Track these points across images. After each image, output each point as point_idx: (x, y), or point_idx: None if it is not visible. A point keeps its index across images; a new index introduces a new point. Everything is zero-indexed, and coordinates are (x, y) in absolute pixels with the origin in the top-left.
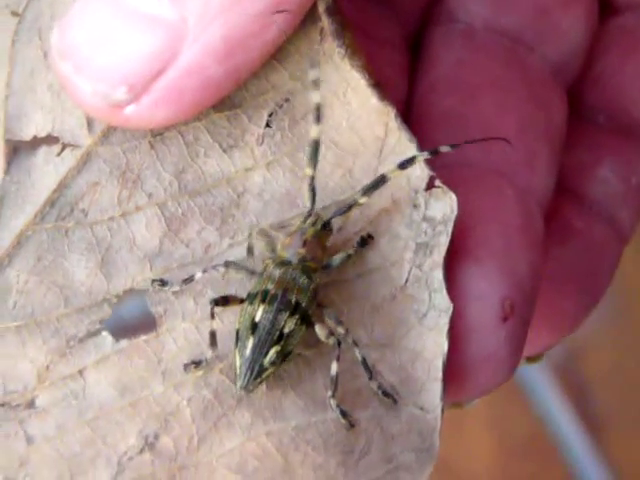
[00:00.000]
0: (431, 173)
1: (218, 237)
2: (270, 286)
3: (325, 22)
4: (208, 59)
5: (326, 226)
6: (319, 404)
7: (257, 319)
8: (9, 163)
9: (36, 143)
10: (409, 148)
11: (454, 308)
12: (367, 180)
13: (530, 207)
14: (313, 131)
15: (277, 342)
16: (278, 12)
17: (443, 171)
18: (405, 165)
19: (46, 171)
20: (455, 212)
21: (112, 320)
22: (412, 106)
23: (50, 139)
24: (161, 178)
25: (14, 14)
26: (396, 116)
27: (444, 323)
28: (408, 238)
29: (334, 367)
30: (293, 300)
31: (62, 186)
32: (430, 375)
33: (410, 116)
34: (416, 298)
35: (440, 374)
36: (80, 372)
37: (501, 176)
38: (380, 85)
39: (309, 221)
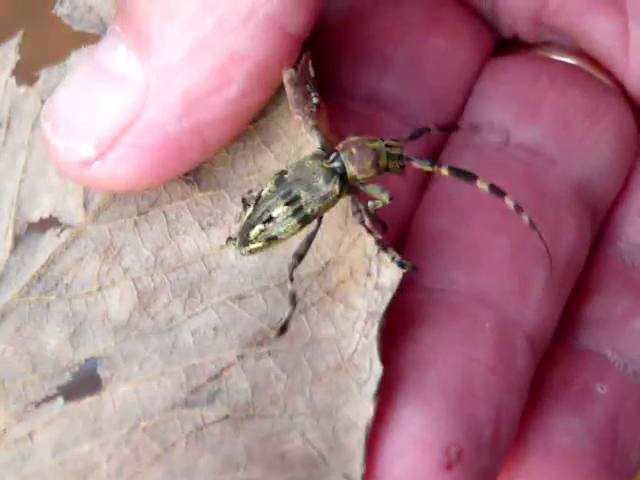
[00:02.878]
0: (381, 237)
1: (182, 310)
2: (290, 172)
3: (288, 91)
4: (168, 115)
5: (396, 156)
6: (232, 465)
7: (263, 193)
8: (17, 243)
9: (45, 225)
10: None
11: (397, 448)
12: (332, 252)
13: (513, 343)
14: None
15: (264, 222)
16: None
17: (422, 295)
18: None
19: (40, 247)
20: (400, 276)
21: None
22: (411, 223)
23: (52, 220)
24: (140, 254)
25: (42, 102)
26: None
27: (373, 388)
28: (362, 308)
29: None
30: (301, 198)
31: (50, 261)
32: (360, 444)
33: (408, 232)
34: (360, 367)
35: (364, 439)
36: (30, 435)
37: (483, 304)
38: None
39: (391, 141)
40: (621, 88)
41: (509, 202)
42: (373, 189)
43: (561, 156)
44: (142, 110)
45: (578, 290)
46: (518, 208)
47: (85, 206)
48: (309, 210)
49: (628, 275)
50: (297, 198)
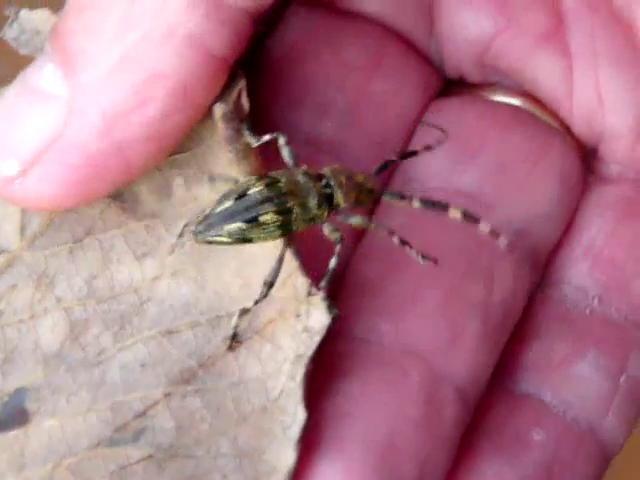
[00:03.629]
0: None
1: (112, 342)
2: (284, 182)
3: (219, 127)
4: (89, 133)
5: (372, 191)
6: None
7: (249, 192)
8: None
9: None
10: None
11: None
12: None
13: (441, 395)
14: None
15: (246, 221)
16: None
17: (350, 345)
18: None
19: None
20: (328, 323)
21: None
22: (345, 271)
23: None
24: (73, 283)
25: None
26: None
27: (296, 433)
28: (290, 350)
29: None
30: (293, 213)
31: None
32: None
33: (342, 280)
34: (285, 410)
35: None
36: None
37: (412, 356)
38: None
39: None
40: (566, 129)
41: (484, 227)
42: (327, 227)
43: (500, 201)
44: (64, 128)
45: (518, 334)
46: (494, 233)
47: (22, 232)
48: (294, 227)
49: (570, 318)
50: (290, 211)
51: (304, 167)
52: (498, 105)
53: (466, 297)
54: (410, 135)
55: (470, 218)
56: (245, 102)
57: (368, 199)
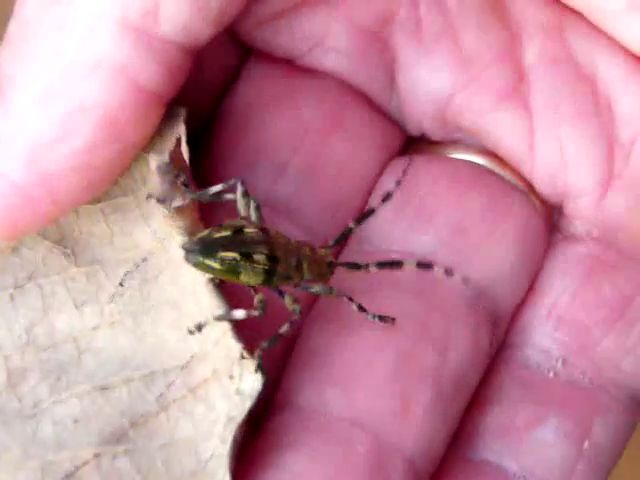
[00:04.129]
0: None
1: (48, 393)
2: (273, 232)
3: (154, 180)
4: (14, 163)
5: (332, 264)
6: None
7: (245, 230)
8: None
9: None
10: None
11: None
12: (199, 346)
13: (389, 468)
14: None
15: (242, 254)
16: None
17: (294, 416)
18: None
19: None
20: (259, 388)
21: None
22: (296, 339)
23: None
24: (13, 330)
25: None
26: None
27: None
28: (222, 411)
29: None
30: (279, 259)
31: None
32: None
33: (291, 349)
34: (213, 476)
35: None
36: None
37: (358, 427)
38: None
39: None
40: (529, 187)
41: (438, 270)
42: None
43: (458, 263)
44: None
45: (478, 398)
46: (448, 272)
47: None
48: (276, 277)
49: (533, 382)
50: (278, 261)
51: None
52: (459, 163)
53: (418, 364)
54: (368, 196)
55: (423, 265)
56: (184, 152)
57: (329, 273)
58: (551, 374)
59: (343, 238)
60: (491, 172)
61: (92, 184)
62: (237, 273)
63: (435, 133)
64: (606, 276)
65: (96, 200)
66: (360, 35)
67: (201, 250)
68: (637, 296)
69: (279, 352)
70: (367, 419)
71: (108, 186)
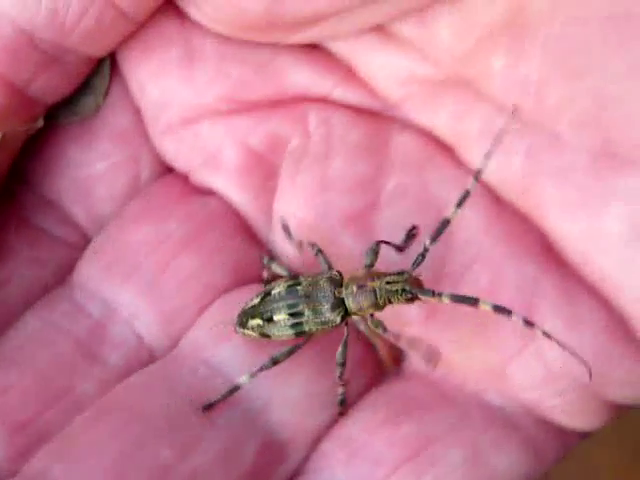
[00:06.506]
0: None
1: None
2: (304, 285)
3: None
4: None
5: (405, 290)
6: None
7: (273, 292)
8: None
9: None
10: None
11: None
12: None
13: None
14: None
15: (263, 319)
16: None
17: None
18: (461, 203)
19: None
20: None
21: None
22: None
23: None
24: None
25: None
26: None
27: None
28: None
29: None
30: (304, 315)
31: None
32: None
33: None
34: None
35: None
36: None
37: None
38: None
39: (393, 277)
40: None
41: (516, 318)
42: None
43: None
44: None
45: None
46: (527, 323)
47: None
48: (307, 328)
49: None
50: (301, 314)
51: (333, 271)
52: None
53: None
54: (204, 310)
55: (501, 310)
56: None
57: (399, 300)
58: None
59: (419, 263)
60: None
61: None
62: (268, 335)
63: (295, 262)
64: (412, 416)
65: None
66: (249, 157)
67: (239, 322)
68: (438, 441)
69: None
70: None
71: None
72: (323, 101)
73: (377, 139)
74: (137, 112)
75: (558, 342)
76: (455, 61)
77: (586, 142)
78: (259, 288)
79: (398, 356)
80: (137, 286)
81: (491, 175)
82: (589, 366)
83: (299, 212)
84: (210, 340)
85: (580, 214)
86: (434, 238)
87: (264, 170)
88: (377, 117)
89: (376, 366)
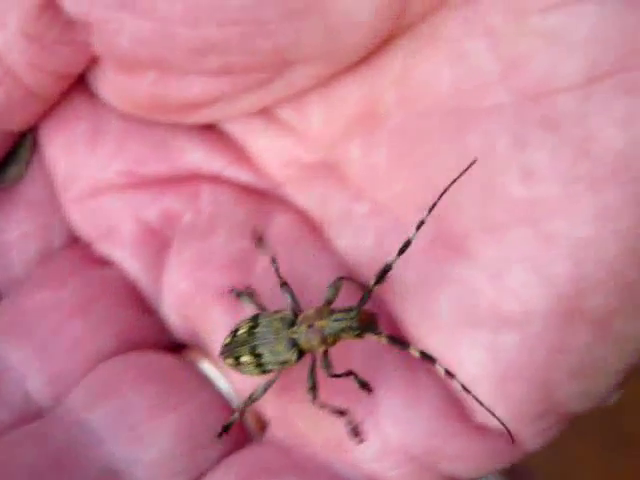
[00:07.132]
0: None
1: None
2: (261, 327)
3: None
4: None
5: (352, 327)
6: None
7: (238, 333)
8: None
9: None
10: None
11: None
12: None
13: None
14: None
15: (234, 357)
16: None
17: None
18: (403, 250)
19: None
20: None
21: None
22: None
23: None
24: None
25: None
26: None
27: None
28: None
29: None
30: (263, 357)
31: None
32: None
33: None
34: None
35: None
36: None
37: None
38: None
39: (341, 315)
40: None
41: (439, 368)
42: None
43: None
44: None
45: None
46: (448, 373)
47: None
48: (269, 367)
49: None
50: (260, 355)
51: (285, 311)
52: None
53: None
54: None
55: (426, 357)
56: None
57: (350, 335)
58: None
59: (366, 299)
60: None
61: None
62: (243, 372)
63: (179, 333)
64: None
65: None
66: (145, 230)
67: (227, 353)
68: None
69: None
70: None
71: None
72: (215, 179)
73: (259, 217)
74: (51, 183)
75: (477, 399)
76: (324, 146)
77: (425, 229)
78: (150, 353)
79: (264, 421)
80: (30, 348)
81: (347, 255)
82: (509, 429)
83: (180, 285)
84: (87, 401)
85: (417, 296)
86: (377, 281)
87: (157, 243)
88: (263, 196)
89: (240, 431)
